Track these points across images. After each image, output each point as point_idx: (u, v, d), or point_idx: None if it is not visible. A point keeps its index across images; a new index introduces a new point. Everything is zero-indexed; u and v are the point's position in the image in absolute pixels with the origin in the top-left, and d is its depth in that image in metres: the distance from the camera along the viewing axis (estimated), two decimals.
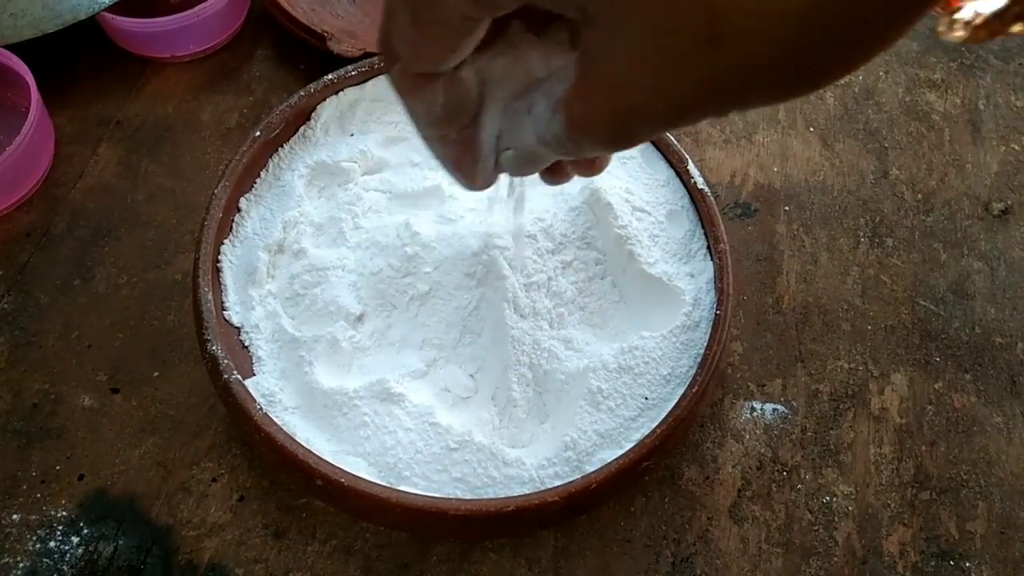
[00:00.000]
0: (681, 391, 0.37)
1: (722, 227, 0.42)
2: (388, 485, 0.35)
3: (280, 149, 0.46)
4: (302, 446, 0.36)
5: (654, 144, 0.45)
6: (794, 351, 0.45)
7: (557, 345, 0.40)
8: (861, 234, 0.49)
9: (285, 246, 0.43)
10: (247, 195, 0.44)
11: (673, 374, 0.39)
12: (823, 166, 0.52)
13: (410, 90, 0.26)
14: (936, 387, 0.44)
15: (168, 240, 0.47)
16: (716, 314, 0.39)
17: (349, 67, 0.47)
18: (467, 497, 0.35)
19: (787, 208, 0.50)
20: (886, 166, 0.52)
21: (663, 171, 0.45)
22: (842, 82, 0.55)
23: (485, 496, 0.35)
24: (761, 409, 0.43)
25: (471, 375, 0.40)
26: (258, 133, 0.44)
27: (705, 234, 0.43)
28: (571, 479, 0.35)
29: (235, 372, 0.37)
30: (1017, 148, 0.53)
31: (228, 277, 0.42)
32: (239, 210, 0.44)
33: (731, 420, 0.42)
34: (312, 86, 0.46)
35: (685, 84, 0.20)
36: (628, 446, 0.36)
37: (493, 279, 0.40)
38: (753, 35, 0.18)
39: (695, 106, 0.21)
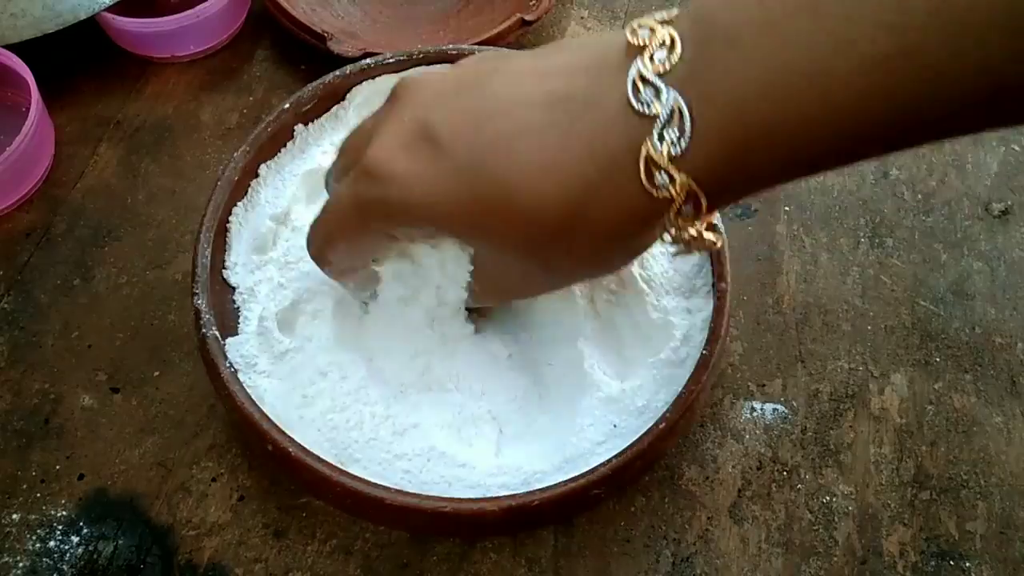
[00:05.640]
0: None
1: (728, 266, 0.40)
2: (335, 463, 0.35)
3: (310, 124, 0.46)
4: (260, 410, 0.36)
5: None
6: (794, 351, 0.45)
7: (536, 360, 0.40)
8: (861, 234, 0.49)
9: (291, 218, 0.43)
10: (268, 162, 0.44)
11: (648, 406, 0.38)
12: None
13: (337, 276, 0.38)
14: (936, 387, 0.44)
15: (168, 240, 0.48)
16: (703, 354, 0.37)
17: (387, 54, 0.47)
18: (410, 489, 0.35)
19: (787, 208, 0.50)
20: (886, 166, 0.52)
21: None
22: None
23: (429, 492, 0.35)
24: (761, 409, 0.43)
25: (451, 376, 0.39)
26: (287, 105, 0.44)
27: (712, 271, 0.41)
28: (516, 491, 0.35)
29: (214, 328, 0.37)
30: (1017, 148, 0.53)
31: (234, 238, 0.42)
32: (257, 175, 0.44)
33: (731, 420, 0.42)
34: (348, 68, 0.46)
35: (534, 285, 0.35)
36: (584, 469, 0.35)
37: None
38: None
39: (545, 290, 0.37)
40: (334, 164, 0.37)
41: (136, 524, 0.39)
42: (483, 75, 0.31)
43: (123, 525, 0.39)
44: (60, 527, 0.38)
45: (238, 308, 0.41)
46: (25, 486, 0.39)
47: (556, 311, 0.40)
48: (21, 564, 0.37)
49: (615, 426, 0.37)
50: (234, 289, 0.41)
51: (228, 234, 0.42)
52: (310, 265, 0.40)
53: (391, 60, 0.47)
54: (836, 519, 0.40)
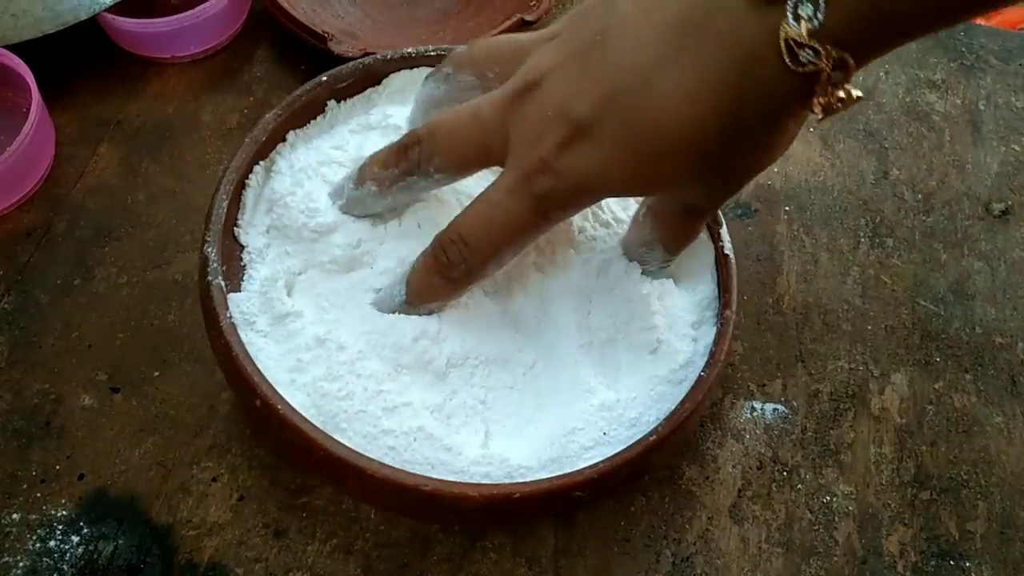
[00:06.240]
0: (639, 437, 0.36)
1: (735, 295, 0.40)
2: (320, 428, 0.35)
3: (343, 102, 0.46)
4: (252, 363, 0.35)
5: None
6: (794, 351, 0.45)
7: (535, 358, 0.39)
8: (861, 234, 0.49)
9: (305, 188, 0.42)
10: (297, 130, 0.44)
11: (639, 420, 0.37)
12: (823, 166, 0.52)
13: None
14: (936, 387, 0.44)
15: (168, 240, 0.48)
16: (700, 375, 0.37)
17: (429, 47, 0.47)
18: (393, 464, 0.35)
19: (787, 208, 0.50)
20: (886, 166, 0.52)
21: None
22: None
23: (411, 469, 0.35)
24: (761, 409, 0.43)
25: (449, 362, 0.39)
26: (324, 78, 0.44)
27: (720, 300, 0.40)
28: (499, 482, 0.35)
29: (220, 277, 0.37)
30: (1017, 148, 0.53)
31: (250, 198, 0.42)
32: (285, 140, 0.44)
33: (731, 420, 0.42)
34: (389, 53, 0.46)
35: (717, 196, 0.37)
36: (568, 471, 0.35)
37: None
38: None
39: (730, 195, 0.38)
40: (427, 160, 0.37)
41: (136, 524, 0.39)
42: (596, 37, 0.32)
43: (123, 525, 0.39)
44: (60, 527, 0.38)
45: (244, 267, 0.40)
46: (25, 486, 0.39)
47: (560, 315, 0.40)
48: (21, 564, 0.37)
49: (605, 434, 0.37)
50: (243, 248, 0.41)
51: (245, 193, 0.42)
52: (317, 237, 0.40)
53: (432, 52, 0.46)
54: (836, 519, 0.40)
